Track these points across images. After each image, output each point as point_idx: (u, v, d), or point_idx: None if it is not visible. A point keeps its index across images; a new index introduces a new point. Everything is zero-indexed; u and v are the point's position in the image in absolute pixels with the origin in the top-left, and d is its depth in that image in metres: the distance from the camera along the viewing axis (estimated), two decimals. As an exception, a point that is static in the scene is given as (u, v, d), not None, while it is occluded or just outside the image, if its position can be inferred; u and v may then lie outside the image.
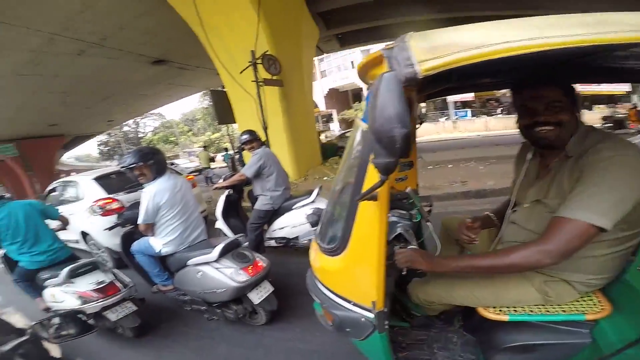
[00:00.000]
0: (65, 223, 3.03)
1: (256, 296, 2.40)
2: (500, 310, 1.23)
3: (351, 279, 1.21)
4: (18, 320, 2.88)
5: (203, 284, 2.39)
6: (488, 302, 1.25)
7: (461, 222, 1.46)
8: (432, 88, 1.14)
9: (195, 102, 45.04)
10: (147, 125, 40.21)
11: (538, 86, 1.10)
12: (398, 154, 0.74)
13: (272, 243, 3.65)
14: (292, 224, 3.49)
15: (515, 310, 1.22)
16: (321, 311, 1.59)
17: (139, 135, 38.63)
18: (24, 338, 1.13)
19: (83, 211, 4.09)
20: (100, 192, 4.06)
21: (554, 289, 1.19)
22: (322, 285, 1.36)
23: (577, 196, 0.98)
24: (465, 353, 1.44)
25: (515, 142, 1.49)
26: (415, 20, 10.46)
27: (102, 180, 4.25)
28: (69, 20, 7.70)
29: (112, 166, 6.99)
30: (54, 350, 1.42)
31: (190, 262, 2.44)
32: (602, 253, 1.10)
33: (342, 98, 28.38)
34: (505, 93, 24.91)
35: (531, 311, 1.20)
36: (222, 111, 8.34)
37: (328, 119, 28.82)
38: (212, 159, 14.52)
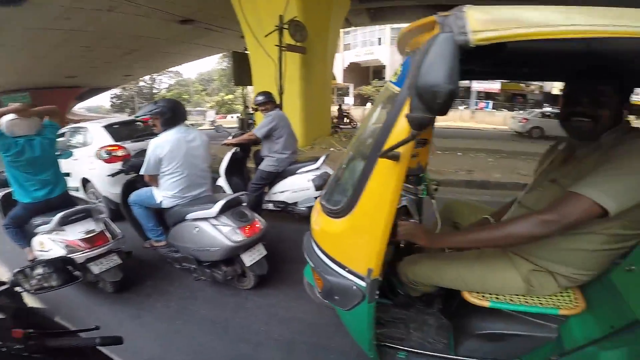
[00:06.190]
0: None
1: (249, 258, 2.36)
2: (483, 296, 1.25)
3: (351, 243, 1.20)
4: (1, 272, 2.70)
5: (198, 241, 2.34)
6: (474, 287, 1.28)
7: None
8: (477, 65, 1.15)
9: (213, 63, 44.28)
10: (162, 82, 39.95)
11: (590, 79, 1.09)
12: (437, 110, 0.74)
13: (270, 206, 3.65)
14: (294, 188, 3.47)
15: (497, 298, 1.25)
16: (311, 278, 1.56)
17: (153, 91, 38.44)
18: (1, 288, 0.99)
19: (88, 157, 4.10)
20: (108, 139, 4.08)
21: (538, 280, 1.20)
22: (319, 248, 1.34)
23: (592, 175, 0.98)
24: (438, 337, 1.47)
25: (536, 143, 1.45)
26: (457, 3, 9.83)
27: (111, 128, 4.28)
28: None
29: (122, 117, 7.02)
30: (32, 302, 1.27)
31: (189, 216, 2.38)
32: (594, 247, 1.09)
33: (362, 73, 27.64)
34: (533, 90, 23.77)
35: (511, 300, 1.23)
36: (241, 73, 8.40)
37: (344, 92, 28.18)
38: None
